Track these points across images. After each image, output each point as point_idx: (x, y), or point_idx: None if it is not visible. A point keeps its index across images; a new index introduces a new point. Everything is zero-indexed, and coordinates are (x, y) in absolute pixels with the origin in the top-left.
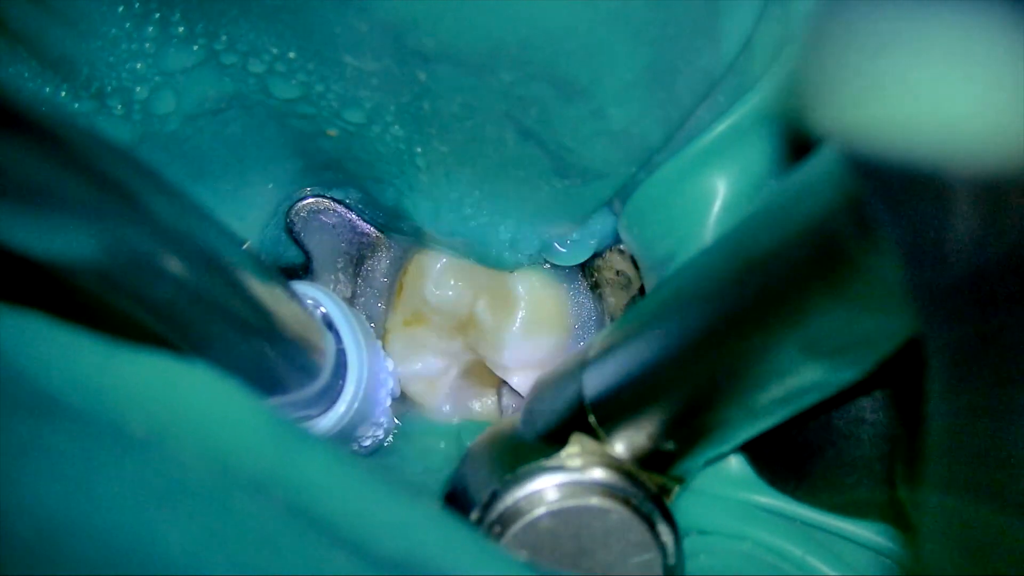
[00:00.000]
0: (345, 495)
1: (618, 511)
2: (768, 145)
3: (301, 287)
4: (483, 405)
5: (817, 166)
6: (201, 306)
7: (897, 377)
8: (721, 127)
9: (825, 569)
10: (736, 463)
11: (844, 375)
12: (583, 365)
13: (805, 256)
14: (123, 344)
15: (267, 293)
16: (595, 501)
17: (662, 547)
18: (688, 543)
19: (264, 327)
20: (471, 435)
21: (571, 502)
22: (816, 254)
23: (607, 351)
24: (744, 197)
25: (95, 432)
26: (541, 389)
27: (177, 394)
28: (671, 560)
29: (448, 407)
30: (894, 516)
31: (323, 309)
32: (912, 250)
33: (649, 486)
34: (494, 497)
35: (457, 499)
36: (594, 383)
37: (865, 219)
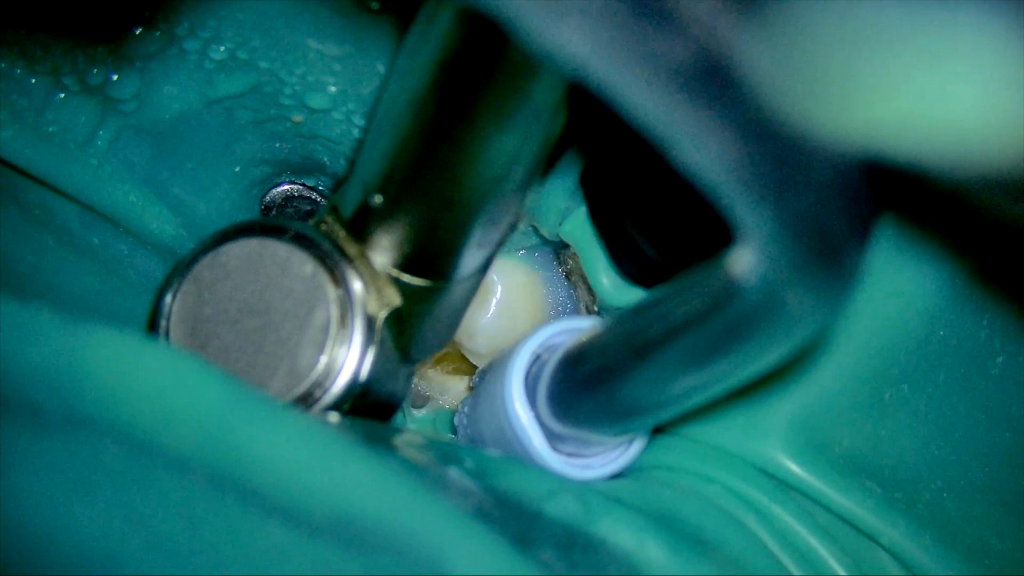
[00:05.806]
0: (280, 462)
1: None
2: None
3: None
4: (458, 392)
5: None
6: None
7: None
8: None
9: (789, 519)
10: (716, 411)
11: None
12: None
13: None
14: (41, 322)
15: None
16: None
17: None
18: (652, 475)
19: None
20: (446, 422)
21: (254, 242)
22: None
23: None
24: None
25: (9, 419)
26: None
27: (106, 372)
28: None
29: (423, 394)
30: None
31: None
32: None
33: (347, 251)
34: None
35: None
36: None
37: None
